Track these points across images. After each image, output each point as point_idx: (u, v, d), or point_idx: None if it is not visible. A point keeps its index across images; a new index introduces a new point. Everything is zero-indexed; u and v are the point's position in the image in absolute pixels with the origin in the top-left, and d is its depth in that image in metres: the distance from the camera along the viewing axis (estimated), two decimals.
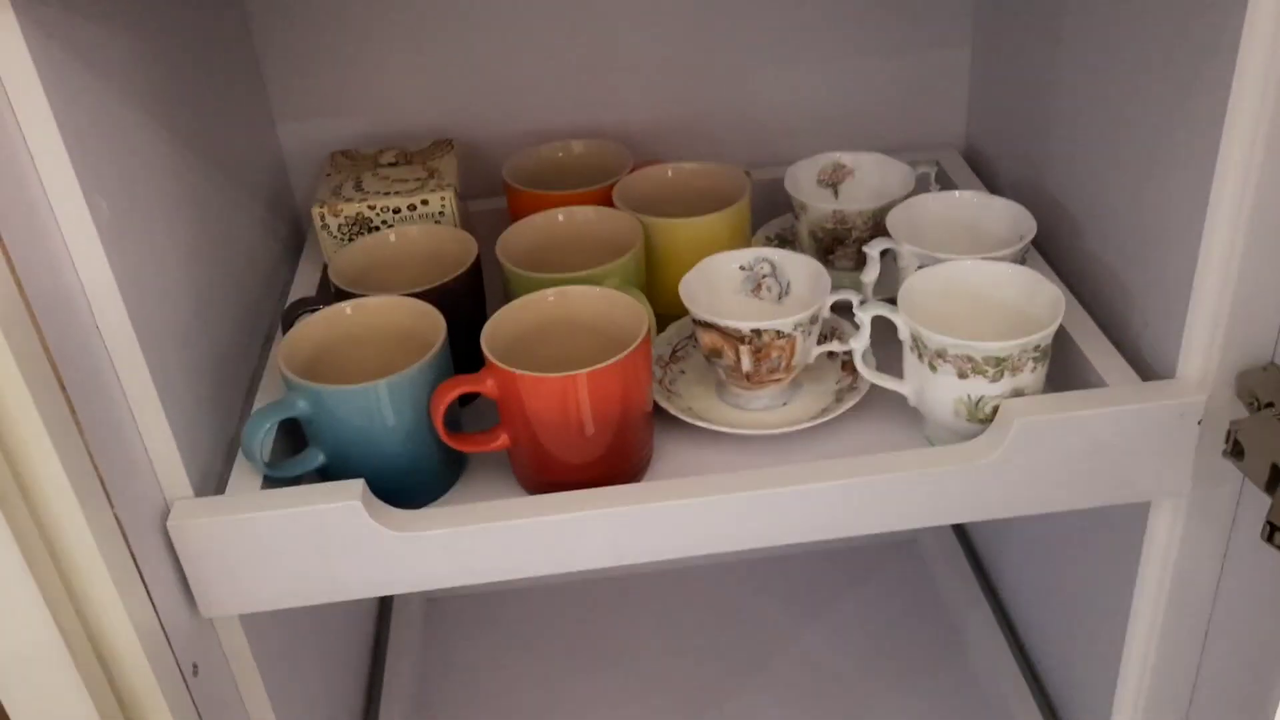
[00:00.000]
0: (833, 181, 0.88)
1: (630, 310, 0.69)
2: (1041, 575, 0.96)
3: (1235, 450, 0.61)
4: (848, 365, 0.76)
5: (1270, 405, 0.60)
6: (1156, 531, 0.70)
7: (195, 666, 0.62)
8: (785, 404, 0.74)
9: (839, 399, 0.73)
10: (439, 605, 1.14)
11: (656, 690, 1.03)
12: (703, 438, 0.72)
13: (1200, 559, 0.69)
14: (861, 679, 1.03)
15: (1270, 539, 0.57)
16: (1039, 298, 0.69)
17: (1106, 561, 0.78)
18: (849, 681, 1.03)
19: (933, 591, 1.11)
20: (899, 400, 0.71)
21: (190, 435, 0.63)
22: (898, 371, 0.70)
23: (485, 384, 0.66)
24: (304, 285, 0.85)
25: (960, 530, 1.14)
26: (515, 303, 0.71)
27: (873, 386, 0.72)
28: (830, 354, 0.76)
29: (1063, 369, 0.72)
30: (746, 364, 0.70)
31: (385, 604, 1.11)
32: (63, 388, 0.52)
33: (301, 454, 0.68)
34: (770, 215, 0.91)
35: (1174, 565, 0.70)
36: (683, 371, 0.78)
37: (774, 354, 0.70)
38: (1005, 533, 1.03)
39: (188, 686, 0.61)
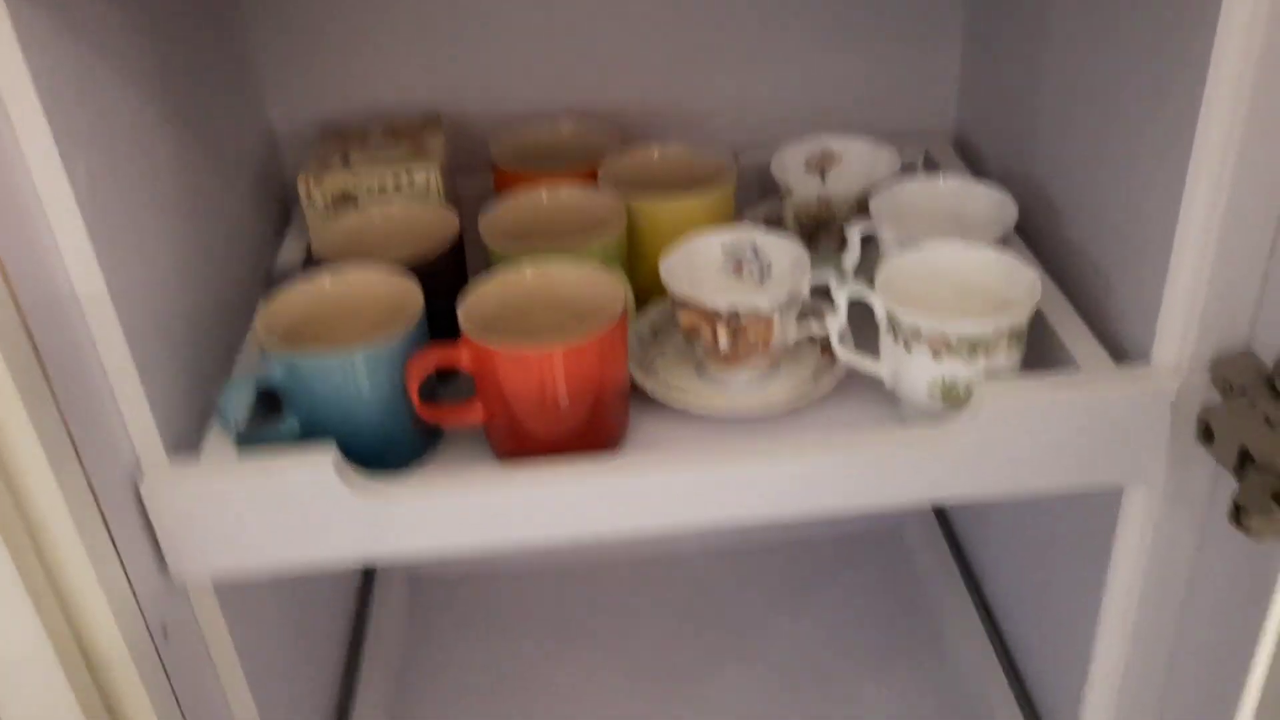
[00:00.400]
0: (820, 166, 0.88)
1: (608, 287, 0.69)
2: (1020, 562, 0.96)
3: (1205, 435, 0.61)
4: (827, 350, 0.76)
5: (1244, 391, 0.60)
6: (1131, 516, 0.70)
7: (165, 629, 0.62)
8: (764, 387, 0.74)
9: (816, 380, 0.73)
10: (422, 584, 1.14)
11: (636, 674, 1.04)
12: (678, 420, 0.72)
13: (1174, 544, 0.69)
14: (842, 666, 1.03)
15: (1237, 520, 0.57)
16: (1017, 282, 0.69)
17: (1082, 547, 0.78)
18: (829, 668, 1.03)
19: (914, 580, 1.11)
20: (877, 386, 0.71)
21: (166, 400, 0.63)
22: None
23: (460, 357, 0.66)
24: (289, 259, 0.86)
25: (942, 519, 1.14)
26: (494, 278, 0.71)
27: (854, 373, 0.72)
28: (811, 339, 0.76)
29: (1039, 353, 0.72)
30: (723, 343, 0.70)
31: (368, 581, 1.11)
32: (35, 348, 0.52)
33: (277, 423, 0.68)
34: (762, 199, 0.91)
35: (1148, 550, 0.70)
36: (663, 352, 0.78)
37: (751, 334, 0.70)
38: (986, 520, 1.03)
39: (157, 649, 0.61)
